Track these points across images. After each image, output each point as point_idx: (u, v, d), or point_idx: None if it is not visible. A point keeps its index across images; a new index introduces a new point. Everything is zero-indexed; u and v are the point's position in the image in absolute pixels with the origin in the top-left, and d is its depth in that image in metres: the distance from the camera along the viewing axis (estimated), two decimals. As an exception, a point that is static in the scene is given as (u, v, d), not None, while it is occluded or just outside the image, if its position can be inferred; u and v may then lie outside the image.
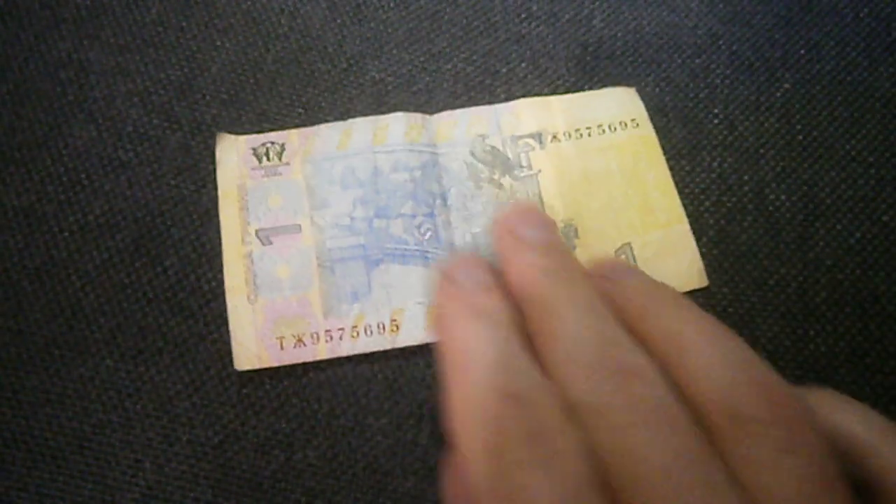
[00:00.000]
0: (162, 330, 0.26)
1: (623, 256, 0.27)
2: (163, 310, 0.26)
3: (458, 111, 0.29)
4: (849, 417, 0.18)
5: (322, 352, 0.25)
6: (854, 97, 0.30)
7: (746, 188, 0.28)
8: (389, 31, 0.31)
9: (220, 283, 0.26)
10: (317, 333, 0.26)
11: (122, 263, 0.27)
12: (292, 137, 0.28)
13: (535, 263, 0.21)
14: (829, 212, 0.28)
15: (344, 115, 0.29)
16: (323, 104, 0.29)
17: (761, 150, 0.29)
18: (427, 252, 0.27)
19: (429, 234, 0.27)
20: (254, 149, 0.28)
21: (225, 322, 0.26)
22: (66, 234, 0.27)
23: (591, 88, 0.30)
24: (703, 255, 0.27)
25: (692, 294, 0.27)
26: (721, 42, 0.31)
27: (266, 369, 0.25)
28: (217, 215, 0.27)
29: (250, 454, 0.25)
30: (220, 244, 0.27)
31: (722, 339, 0.18)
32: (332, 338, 0.26)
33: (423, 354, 0.26)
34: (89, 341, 0.26)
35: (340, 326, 0.26)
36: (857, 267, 0.27)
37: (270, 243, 0.27)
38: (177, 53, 0.30)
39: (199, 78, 0.30)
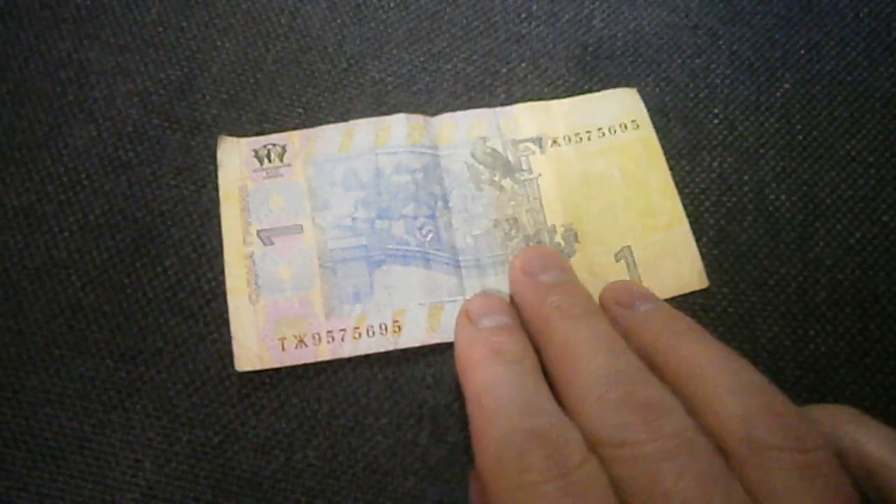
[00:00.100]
0: (162, 330, 0.26)
1: (623, 260, 0.27)
2: (163, 310, 0.26)
3: (459, 113, 0.29)
4: (861, 431, 0.18)
5: (324, 353, 0.25)
6: (854, 97, 0.30)
7: (746, 188, 0.28)
8: (389, 31, 0.31)
9: (221, 283, 0.26)
10: (318, 334, 0.26)
11: (122, 263, 0.27)
12: (294, 139, 0.28)
13: (554, 304, 0.21)
14: (829, 212, 0.28)
15: (344, 116, 0.29)
16: (323, 104, 0.29)
17: (761, 150, 0.29)
18: (428, 253, 0.27)
19: (430, 235, 0.27)
20: (255, 150, 0.28)
21: (225, 322, 0.26)
22: (66, 234, 0.27)
23: (591, 88, 0.30)
24: (703, 255, 0.27)
25: (692, 295, 0.27)
26: (721, 42, 0.31)
27: (266, 370, 0.25)
28: (218, 215, 0.27)
29: (250, 454, 0.25)
30: (220, 244, 0.27)
31: (735, 368, 0.19)
32: (333, 338, 0.26)
33: (423, 355, 0.26)
34: (89, 341, 0.26)
35: (342, 327, 0.26)
36: (857, 267, 0.27)
37: (272, 244, 0.27)
38: (177, 53, 0.30)
39: (199, 78, 0.30)
